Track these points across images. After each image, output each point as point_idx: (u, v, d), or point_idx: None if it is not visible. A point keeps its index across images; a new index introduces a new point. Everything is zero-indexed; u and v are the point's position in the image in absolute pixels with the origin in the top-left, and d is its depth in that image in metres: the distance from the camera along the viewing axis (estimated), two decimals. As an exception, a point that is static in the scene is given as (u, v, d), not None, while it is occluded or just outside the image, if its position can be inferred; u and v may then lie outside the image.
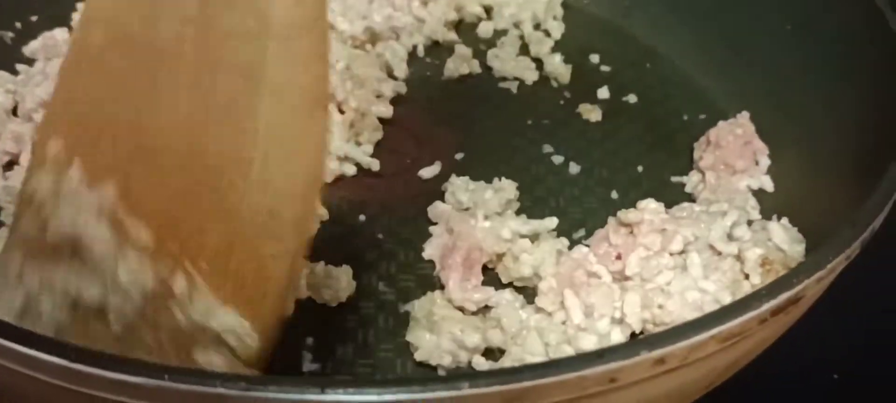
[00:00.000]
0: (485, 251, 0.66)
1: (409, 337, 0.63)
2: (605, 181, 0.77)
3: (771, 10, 0.82)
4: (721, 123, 0.79)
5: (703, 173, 0.77)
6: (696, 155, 0.79)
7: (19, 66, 0.82)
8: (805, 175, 0.75)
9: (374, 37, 0.88)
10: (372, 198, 0.74)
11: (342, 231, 0.71)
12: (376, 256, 0.69)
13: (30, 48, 0.84)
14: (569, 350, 0.62)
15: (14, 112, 0.78)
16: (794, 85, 0.78)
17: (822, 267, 0.51)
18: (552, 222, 0.70)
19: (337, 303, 0.65)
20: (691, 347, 0.46)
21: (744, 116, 0.79)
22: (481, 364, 0.62)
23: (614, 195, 0.76)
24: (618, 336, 0.63)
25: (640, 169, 0.79)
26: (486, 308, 0.65)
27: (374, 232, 0.71)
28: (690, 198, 0.76)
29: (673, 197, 0.75)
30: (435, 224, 0.71)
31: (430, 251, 0.69)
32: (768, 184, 0.77)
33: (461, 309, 0.64)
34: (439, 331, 0.61)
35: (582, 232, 0.72)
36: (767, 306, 0.49)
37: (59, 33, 0.85)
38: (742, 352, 0.53)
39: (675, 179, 0.78)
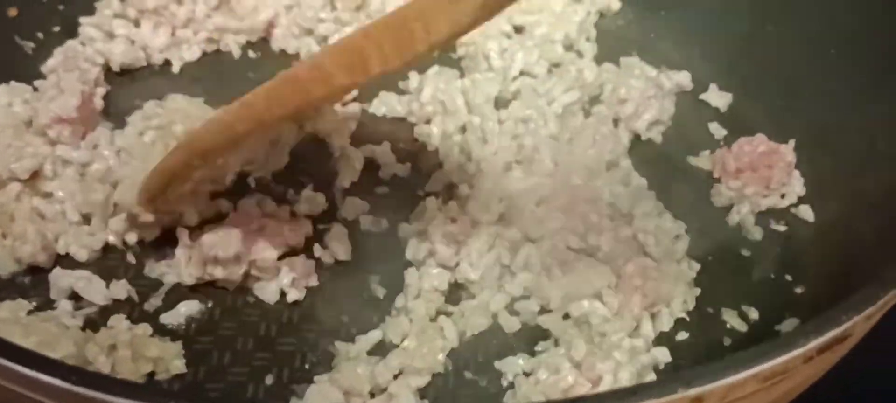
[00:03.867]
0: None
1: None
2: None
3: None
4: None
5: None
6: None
7: (37, 82, 0.79)
8: (847, 207, 0.72)
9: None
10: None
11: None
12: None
13: (47, 66, 0.81)
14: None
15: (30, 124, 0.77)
16: (840, 118, 0.75)
17: (871, 303, 0.47)
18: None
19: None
20: (731, 386, 0.43)
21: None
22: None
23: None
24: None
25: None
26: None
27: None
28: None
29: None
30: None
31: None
32: (808, 214, 0.74)
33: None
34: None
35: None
36: (814, 343, 0.45)
37: (79, 46, 0.83)
38: (783, 392, 0.49)
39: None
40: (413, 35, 0.52)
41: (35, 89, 0.79)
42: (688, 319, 0.66)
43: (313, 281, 0.67)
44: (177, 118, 0.73)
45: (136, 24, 0.85)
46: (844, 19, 0.77)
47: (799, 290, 0.69)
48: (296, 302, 0.66)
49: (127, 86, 0.83)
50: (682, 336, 0.65)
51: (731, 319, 0.66)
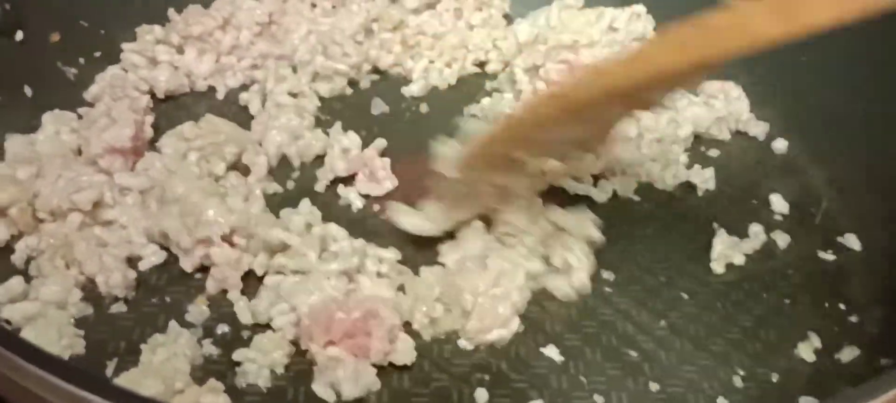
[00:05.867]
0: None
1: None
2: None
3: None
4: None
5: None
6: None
7: (83, 110, 0.79)
8: (892, 235, 0.74)
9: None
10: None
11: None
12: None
13: (91, 93, 0.81)
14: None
15: (79, 152, 0.76)
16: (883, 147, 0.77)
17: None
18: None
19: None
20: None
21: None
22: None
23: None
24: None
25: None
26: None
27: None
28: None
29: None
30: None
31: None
32: (855, 243, 0.76)
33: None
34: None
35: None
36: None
37: (122, 73, 0.83)
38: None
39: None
40: None
41: (79, 116, 0.78)
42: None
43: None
44: (221, 139, 0.73)
45: (179, 50, 0.85)
46: (882, 50, 0.78)
47: (853, 319, 0.70)
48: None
49: (171, 113, 0.82)
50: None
51: (802, 349, 0.67)
